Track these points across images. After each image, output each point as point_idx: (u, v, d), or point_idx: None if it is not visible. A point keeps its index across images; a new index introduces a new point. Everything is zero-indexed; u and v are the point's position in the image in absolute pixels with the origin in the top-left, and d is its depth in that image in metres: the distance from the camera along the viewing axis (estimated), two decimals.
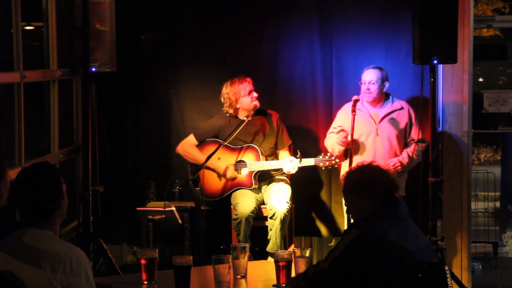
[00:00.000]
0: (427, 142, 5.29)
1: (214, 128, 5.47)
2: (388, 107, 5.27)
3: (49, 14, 5.30)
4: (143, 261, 3.36)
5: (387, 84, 5.23)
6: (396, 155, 5.22)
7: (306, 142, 5.57)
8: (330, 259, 2.91)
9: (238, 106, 5.40)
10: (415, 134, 5.27)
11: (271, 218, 5.20)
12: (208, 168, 5.21)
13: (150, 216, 5.10)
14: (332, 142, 5.22)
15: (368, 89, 5.18)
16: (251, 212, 5.18)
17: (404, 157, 5.22)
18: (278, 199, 5.20)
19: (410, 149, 5.25)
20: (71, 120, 5.73)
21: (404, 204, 2.99)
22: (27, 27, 5.25)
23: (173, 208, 5.06)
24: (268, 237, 5.23)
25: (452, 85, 5.53)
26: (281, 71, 5.82)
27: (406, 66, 5.55)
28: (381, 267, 2.80)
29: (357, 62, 5.54)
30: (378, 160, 5.07)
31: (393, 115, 5.25)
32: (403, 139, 5.28)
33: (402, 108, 5.28)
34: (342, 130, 5.15)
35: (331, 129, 5.35)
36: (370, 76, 5.19)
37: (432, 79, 5.13)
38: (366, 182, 2.98)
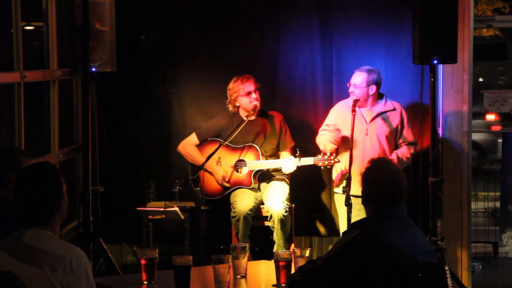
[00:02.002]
0: (417, 145, 5.29)
1: (216, 127, 5.48)
2: (380, 107, 5.24)
3: (49, 14, 5.30)
4: (143, 261, 3.36)
5: (374, 88, 5.16)
6: (385, 156, 5.20)
7: (305, 141, 5.56)
8: (326, 256, 2.92)
9: (237, 104, 5.41)
10: (406, 136, 5.24)
11: (270, 219, 5.20)
12: (206, 170, 5.20)
13: (150, 216, 5.10)
14: (325, 139, 5.21)
15: (352, 92, 5.17)
16: (249, 210, 5.17)
17: (393, 159, 5.16)
18: (274, 200, 5.19)
19: (400, 151, 5.22)
20: (71, 120, 5.73)
21: (404, 204, 2.98)
22: (27, 27, 5.25)
23: (176, 209, 5.07)
24: (273, 238, 5.23)
25: (452, 85, 5.53)
26: (281, 71, 5.83)
27: (406, 66, 5.55)
28: (380, 268, 2.80)
29: (357, 62, 5.53)
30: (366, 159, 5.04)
31: (384, 115, 5.22)
32: (393, 140, 5.25)
33: (394, 109, 5.24)
34: (338, 130, 5.14)
35: (323, 127, 5.33)
36: (355, 80, 5.17)
37: (432, 79, 5.12)
38: (369, 182, 2.99)
